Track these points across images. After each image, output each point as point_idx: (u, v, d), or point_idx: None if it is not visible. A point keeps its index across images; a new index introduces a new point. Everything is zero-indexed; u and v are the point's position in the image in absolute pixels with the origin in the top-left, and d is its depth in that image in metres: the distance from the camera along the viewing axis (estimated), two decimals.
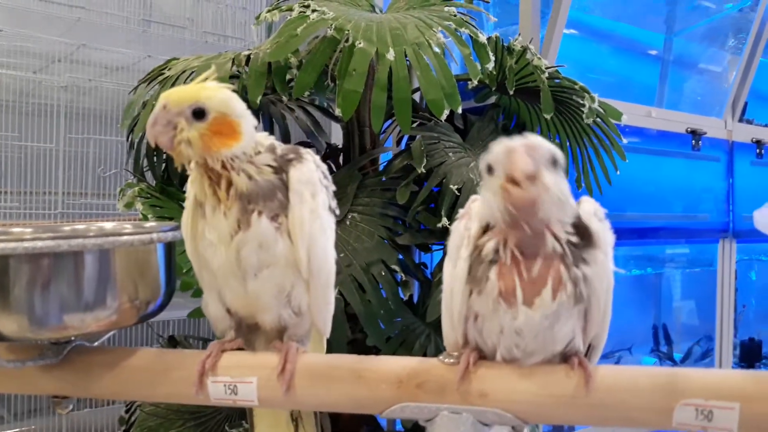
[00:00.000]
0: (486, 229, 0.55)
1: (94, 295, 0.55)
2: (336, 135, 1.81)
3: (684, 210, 2.24)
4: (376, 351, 1.31)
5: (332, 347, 1.24)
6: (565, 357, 0.56)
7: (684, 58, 2.62)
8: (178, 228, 0.62)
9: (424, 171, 1.27)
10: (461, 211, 0.58)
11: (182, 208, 1.31)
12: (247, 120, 0.60)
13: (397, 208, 1.32)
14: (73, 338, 0.59)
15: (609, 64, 2.49)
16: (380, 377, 0.55)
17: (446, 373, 0.55)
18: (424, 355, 1.34)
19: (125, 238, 0.55)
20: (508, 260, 0.52)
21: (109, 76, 2.16)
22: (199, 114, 0.56)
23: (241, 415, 1.31)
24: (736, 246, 2.38)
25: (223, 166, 0.57)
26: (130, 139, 1.37)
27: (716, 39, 2.70)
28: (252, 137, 0.60)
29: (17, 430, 1.86)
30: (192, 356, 0.57)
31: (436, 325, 1.42)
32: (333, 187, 0.64)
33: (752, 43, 2.47)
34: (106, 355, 0.59)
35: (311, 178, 0.60)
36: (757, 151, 2.52)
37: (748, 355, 2.69)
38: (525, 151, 0.49)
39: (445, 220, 1.23)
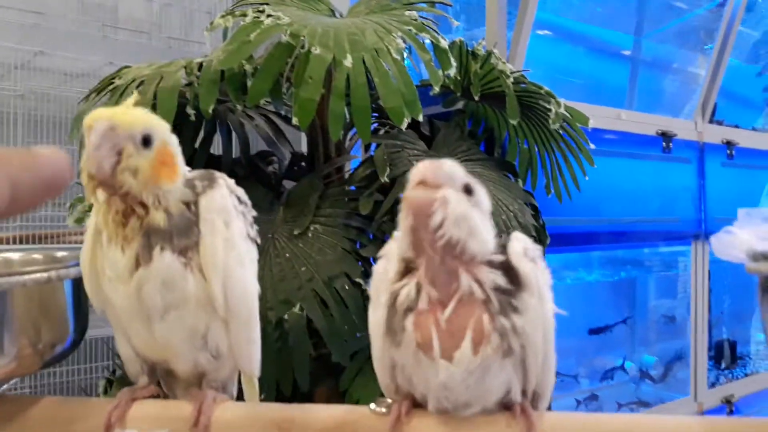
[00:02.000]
0: (404, 273, 0.49)
1: None
2: (304, 142, 1.76)
3: (656, 213, 2.23)
4: (341, 367, 1.26)
5: (296, 366, 1.21)
6: (506, 405, 0.51)
7: (654, 59, 2.62)
8: None
9: (388, 180, 1.23)
10: (382, 250, 0.52)
11: None
12: (180, 151, 0.55)
13: (361, 219, 1.28)
14: None
15: (580, 66, 2.48)
16: (305, 429, 0.50)
17: (377, 423, 0.50)
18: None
19: (17, 278, 0.49)
20: (424, 305, 0.47)
21: (70, 84, 2.09)
22: (147, 141, 0.50)
23: None
24: (708, 248, 2.38)
25: (150, 202, 0.51)
26: (79, 151, 1.31)
27: (686, 40, 2.71)
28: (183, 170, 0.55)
29: None
30: (99, 406, 0.51)
31: None
32: (252, 212, 0.58)
33: (720, 43, 2.47)
34: (6, 406, 0.53)
35: (224, 205, 0.54)
36: (728, 152, 2.52)
37: (721, 356, 2.69)
38: (432, 165, 0.46)
39: None
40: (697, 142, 2.39)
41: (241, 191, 0.57)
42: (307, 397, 1.34)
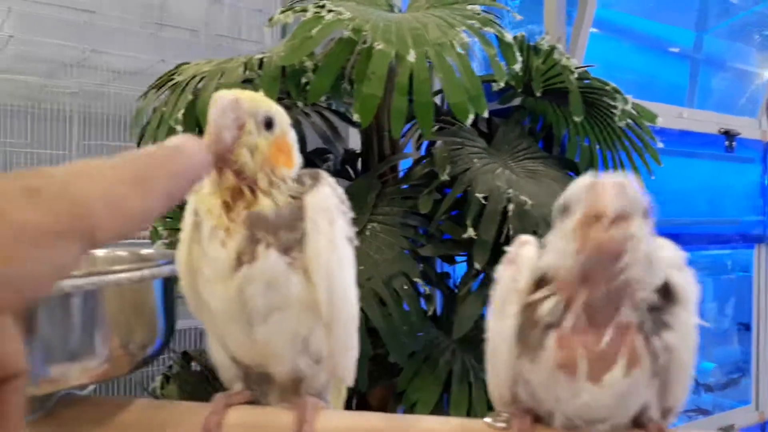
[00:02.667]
0: (539, 282, 0.45)
1: (80, 343, 0.46)
2: (354, 140, 1.75)
3: (718, 214, 2.15)
4: (398, 367, 1.24)
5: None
6: (638, 422, 0.47)
7: (714, 56, 2.52)
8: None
9: (447, 178, 1.20)
10: (507, 255, 0.49)
11: None
12: (297, 146, 0.54)
13: (419, 218, 1.26)
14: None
15: (634, 63, 2.40)
16: None
17: None
18: (450, 372, 1.28)
19: (112, 277, 0.46)
20: (572, 323, 0.43)
21: (121, 81, 2.11)
22: (269, 124, 0.50)
23: None
24: None
25: (262, 185, 0.50)
26: (139, 146, 1.32)
27: (748, 36, 2.60)
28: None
29: None
30: (192, 411, 0.50)
31: (462, 341, 1.35)
32: (350, 214, 0.55)
33: None
34: (95, 408, 0.52)
35: (329, 205, 0.52)
36: None
37: None
38: (615, 188, 0.40)
39: (471, 231, 1.16)
40: (761, 141, 2.30)
41: (341, 191, 0.55)
42: (363, 397, 1.32)
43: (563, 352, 0.43)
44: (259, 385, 0.55)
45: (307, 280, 0.50)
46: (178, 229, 1.17)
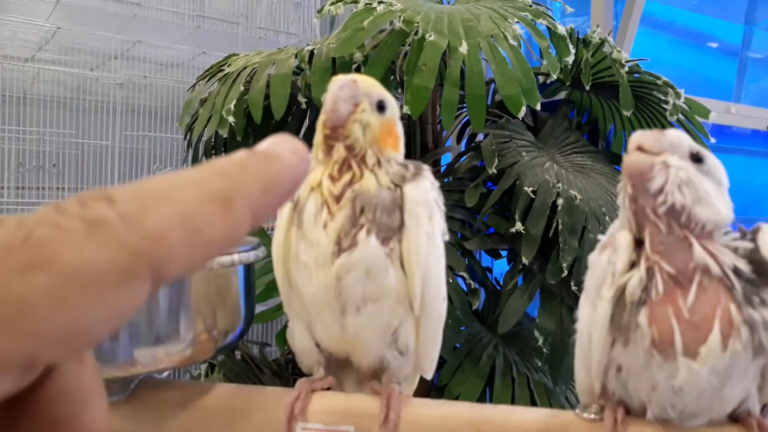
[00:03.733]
0: (631, 267, 0.45)
1: (165, 327, 0.47)
2: None
3: (760, 212, 2.10)
4: (441, 360, 1.24)
5: None
6: (734, 417, 0.45)
7: (763, 51, 2.46)
8: (259, 246, 0.54)
9: (495, 171, 1.19)
10: (601, 240, 0.49)
11: None
12: (403, 135, 0.55)
13: (464, 211, 1.25)
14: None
15: (678, 58, 2.36)
16: None
17: (587, 430, 0.45)
18: (493, 366, 1.27)
19: None
20: (659, 291, 0.42)
21: (164, 73, 2.14)
22: (381, 107, 0.52)
23: None
24: None
25: (370, 163, 0.51)
26: (188, 137, 1.33)
27: None
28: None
29: None
30: (275, 395, 0.50)
31: (505, 336, 1.35)
32: (444, 209, 0.55)
33: None
34: (177, 391, 0.52)
35: (429, 199, 0.51)
36: None
37: None
38: (654, 132, 0.45)
39: (519, 225, 1.15)
40: None
41: (437, 184, 0.54)
42: None
43: (656, 326, 0.43)
44: (337, 371, 0.55)
45: (402, 271, 0.50)
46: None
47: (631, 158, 0.44)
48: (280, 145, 0.22)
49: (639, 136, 0.44)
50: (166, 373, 0.56)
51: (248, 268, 0.53)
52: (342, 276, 0.49)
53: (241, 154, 0.20)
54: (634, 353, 0.44)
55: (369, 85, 0.52)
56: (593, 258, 0.48)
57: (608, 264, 0.46)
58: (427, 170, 0.53)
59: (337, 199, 0.49)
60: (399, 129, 0.54)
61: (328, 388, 0.52)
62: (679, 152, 0.44)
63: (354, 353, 0.53)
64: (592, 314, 0.46)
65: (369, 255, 0.49)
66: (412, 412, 0.49)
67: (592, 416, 0.46)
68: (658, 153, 0.44)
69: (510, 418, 0.47)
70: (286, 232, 0.51)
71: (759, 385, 0.44)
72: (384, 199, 0.50)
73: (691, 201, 0.43)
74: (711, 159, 0.45)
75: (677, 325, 0.42)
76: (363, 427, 0.48)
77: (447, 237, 0.55)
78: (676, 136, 0.45)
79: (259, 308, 1.12)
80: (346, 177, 0.50)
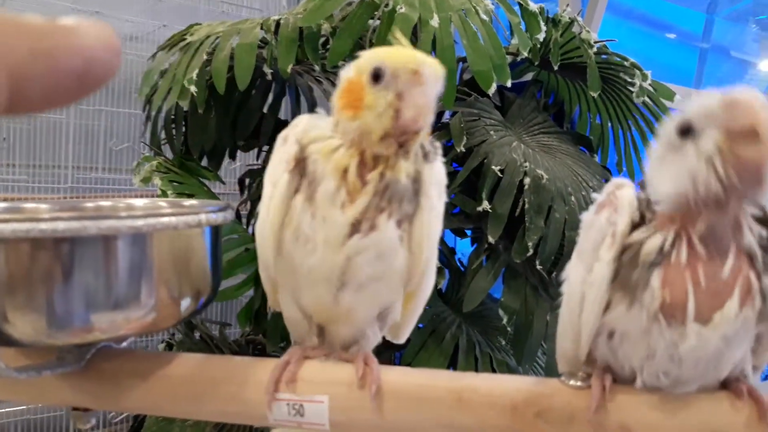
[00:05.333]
0: (635, 225, 0.43)
1: (126, 290, 0.43)
2: None
3: None
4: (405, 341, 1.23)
5: None
6: (724, 383, 0.44)
7: (721, 41, 2.51)
8: (226, 209, 0.51)
9: (463, 150, 1.18)
10: (599, 200, 0.46)
11: (202, 184, 1.24)
12: None
13: None
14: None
15: (639, 44, 2.38)
16: (487, 401, 0.44)
17: (573, 399, 0.44)
18: (456, 345, 1.27)
19: (167, 219, 0.43)
20: (683, 258, 0.40)
21: (123, 47, 2.04)
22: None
23: None
24: None
25: (410, 156, 0.47)
26: (147, 109, 1.28)
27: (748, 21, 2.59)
28: None
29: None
30: (244, 365, 0.47)
31: (468, 316, 1.34)
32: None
33: None
34: (138, 362, 0.49)
35: (441, 178, 0.49)
36: None
37: None
38: (759, 103, 0.38)
39: (486, 204, 1.14)
40: None
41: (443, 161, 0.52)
42: None
43: (669, 290, 0.41)
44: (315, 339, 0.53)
45: (408, 251, 0.48)
46: (185, 194, 1.14)
47: (749, 152, 0.37)
48: (90, 27, 0.20)
49: (752, 115, 0.37)
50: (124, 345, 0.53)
51: (216, 230, 0.50)
52: (352, 257, 0.46)
53: (28, 15, 0.19)
54: (636, 317, 0.42)
55: (442, 76, 0.45)
56: (588, 218, 0.46)
57: (608, 224, 0.44)
58: (439, 148, 0.50)
59: (363, 183, 0.46)
60: None
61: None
62: None
63: (338, 324, 0.51)
64: (587, 276, 0.44)
65: (386, 238, 0.47)
66: (391, 380, 0.47)
67: (579, 383, 0.45)
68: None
69: (495, 386, 0.45)
70: (285, 200, 0.48)
71: (753, 348, 0.44)
72: (408, 186, 0.47)
73: None
74: None
75: (693, 289, 0.40)
76: (340, 397, 0.46)
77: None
78: (762, 96, 0.39)
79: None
80: (381, 167, 0.46)
